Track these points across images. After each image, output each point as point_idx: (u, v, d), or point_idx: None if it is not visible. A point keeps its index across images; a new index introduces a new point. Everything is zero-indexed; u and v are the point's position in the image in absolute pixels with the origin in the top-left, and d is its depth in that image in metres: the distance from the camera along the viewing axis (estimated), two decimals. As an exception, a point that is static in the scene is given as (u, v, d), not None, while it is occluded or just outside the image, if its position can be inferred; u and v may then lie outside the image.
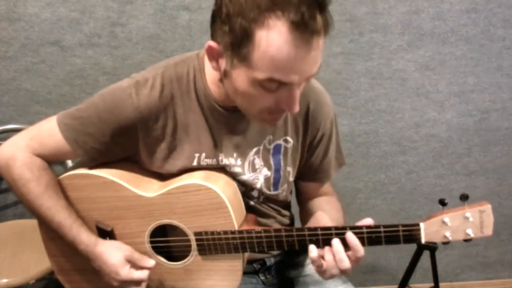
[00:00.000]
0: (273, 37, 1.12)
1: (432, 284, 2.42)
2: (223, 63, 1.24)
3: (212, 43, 1.23)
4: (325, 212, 1.57)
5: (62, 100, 2.36)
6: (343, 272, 1.33)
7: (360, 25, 2.34)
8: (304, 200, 1.73)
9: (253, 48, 1.14)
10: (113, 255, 1.47)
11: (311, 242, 1.36)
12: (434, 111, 2.56)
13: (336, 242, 1.33)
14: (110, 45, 2.29)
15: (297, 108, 1.25)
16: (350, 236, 1.31)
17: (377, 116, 2.55)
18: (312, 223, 1.51)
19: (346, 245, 1.32)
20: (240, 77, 1.21)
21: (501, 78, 2.52)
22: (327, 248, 1.34)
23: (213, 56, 1.26)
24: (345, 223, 1.54)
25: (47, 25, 2.23)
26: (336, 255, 1.32)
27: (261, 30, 1.12)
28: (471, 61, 2.47)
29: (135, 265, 1.49)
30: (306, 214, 1.65)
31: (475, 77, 2.51)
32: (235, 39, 1.16)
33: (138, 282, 1.48)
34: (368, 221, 1.35)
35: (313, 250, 1.33)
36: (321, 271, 1.36)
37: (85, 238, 1.48)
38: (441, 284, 2.45)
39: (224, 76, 1.26)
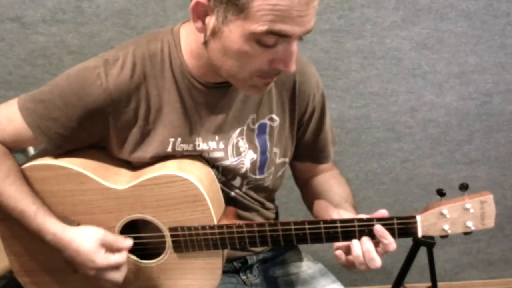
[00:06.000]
0: None
1: (429, 284, 2.44)
2: (211, 21, 1.24)
3: None
4: (332, 190, 1.63)
5: (24, 81, 2.35)
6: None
7: (351, -1, 2.34)
8: (304, 180, 1.76)
9: None
10: (84, 241, 1.44)
11: (298, 237, 1.38)
12: (431, 93, 2.57)
13: (365, 239, 1.35)
14: (76, 21, 2.27)
15: (293, 67, 1.27)
16: (379, 228, 1.33)
17: (369, 100, 2.55)
18: (319, 207, 1.57)
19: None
20: (234, 33, 1.22)
21: (504, 57, 2.53)
22: (355, 241, 1.36)
23: (199, 14, 1.26)
24: (354, 196, 1.63)
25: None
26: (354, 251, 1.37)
27: None
28: (472, 39, 2.47)
29: (111, 248, 1.46)
30: (310, 194, 1.70)
31: (477, 56, 2.51)
32: None
33: (117, 267, 1.45)
34: (382, 212, 1.37)
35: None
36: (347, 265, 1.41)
37: (51, 225, 1.45)
38: (439, 284, 2.47)
39: (212, 36, 1.26)
